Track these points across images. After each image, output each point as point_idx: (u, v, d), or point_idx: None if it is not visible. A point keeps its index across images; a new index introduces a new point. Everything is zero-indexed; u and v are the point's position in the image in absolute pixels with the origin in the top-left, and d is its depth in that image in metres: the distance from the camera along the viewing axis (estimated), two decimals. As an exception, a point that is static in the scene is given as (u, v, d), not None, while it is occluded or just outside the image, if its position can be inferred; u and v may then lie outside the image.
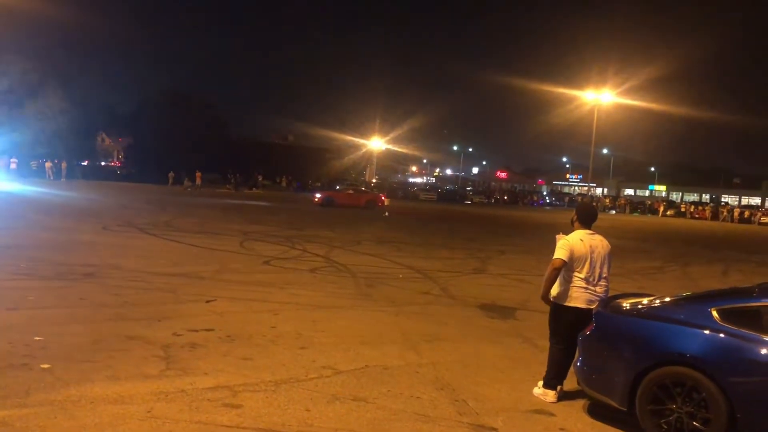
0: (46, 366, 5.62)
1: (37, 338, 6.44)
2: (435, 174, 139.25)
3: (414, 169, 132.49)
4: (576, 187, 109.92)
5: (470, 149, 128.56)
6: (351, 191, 42.07)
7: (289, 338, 7.17)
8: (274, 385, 5.58)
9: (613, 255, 5.97)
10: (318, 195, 39.71)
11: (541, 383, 5.83)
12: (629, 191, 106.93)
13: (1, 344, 6.16)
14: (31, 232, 15.72)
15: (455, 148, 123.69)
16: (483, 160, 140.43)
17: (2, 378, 5.24)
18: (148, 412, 4.76)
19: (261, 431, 4.58)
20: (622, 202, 75.11)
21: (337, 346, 7.01)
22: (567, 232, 5.95)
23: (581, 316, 5.63)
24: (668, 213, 64.84)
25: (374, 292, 10.52)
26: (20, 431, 4.29)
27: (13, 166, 50.35)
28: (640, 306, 5.50)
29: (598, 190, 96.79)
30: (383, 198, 41.79)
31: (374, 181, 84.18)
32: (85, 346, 6.33)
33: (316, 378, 5.86)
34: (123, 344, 6.48)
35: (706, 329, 4.79)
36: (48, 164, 52.67)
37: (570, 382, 5.79)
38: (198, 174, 55.09)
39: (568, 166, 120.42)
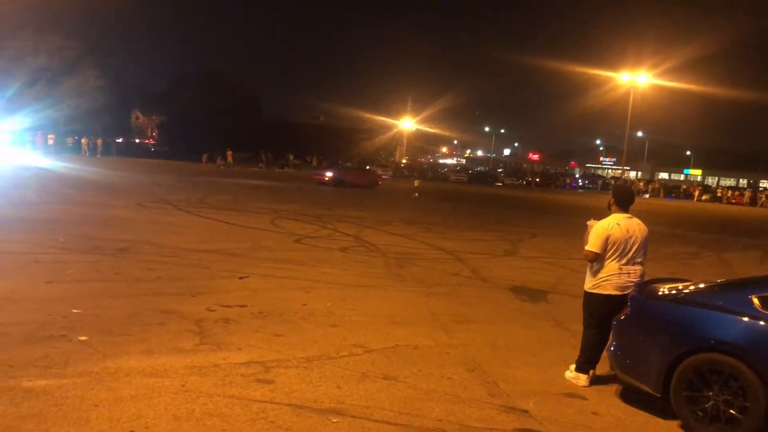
0: (83, 338, 5.74)
1: (75, 311, 6.57)
2: (466, 155, 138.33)
3: (444, 150, 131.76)
4: (609, 170, 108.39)
5: (502, 131, 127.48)
6: (357, 170, 41.69)
7: (320, 316, 7.22)
8: (305, 361, 5.62)
9: (649, 239, 5.87)
10: (328, 174, 37.78)
11: (573, 367, 5.78)
12: (663, 175, 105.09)
13: (41, 316, 6.30)
14: (68, 207, 16.01)
15: (487, 129, 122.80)
16: (515, 141, 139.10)
17: (43, 348, 5.37)
18: (182, 385, 4.83)
19: (293, 407, 4.62)
20: (656, 185, 73.91)
21: (367, 324, 7.03)
22: (601, 217, 5.85)
23: (615, 301, 5.55)
24: (703, 198, 63.69)
25: (404, 272, 10.53)
26: (59, 400, 4.39)
27: (50, 142, 51.30)
28: (676, 291, 5.40)
29: (632, 174, 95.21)
30: (382, 178, 40.98)
31: (404, 161, 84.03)
32: (120, 319, 6.44)
33: (347, 356, 5.89)
34: (158, 318, 6.58)
35: (746, 316, 4.69)
36: (84, 141, 53.54)
37: (602, 367, 5.74)
38: (229, 153, 55.55)
39: (601, 148, 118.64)
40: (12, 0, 50.36)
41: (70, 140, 54.72)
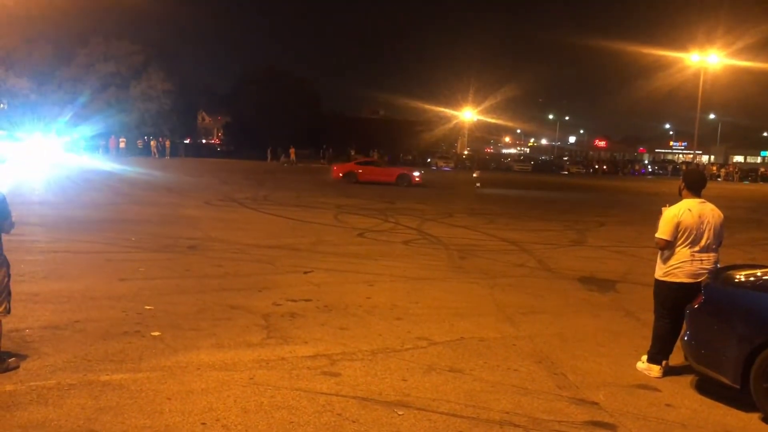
0: (156, 333, 5.92)
1: (148, 307, 6.79)
2: (530, 144, 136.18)
3: (507, 139, 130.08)
4: (680, 155, 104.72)
5: (567, 118, 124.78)
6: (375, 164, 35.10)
7: (384, 309, 7.23)
8: (370, 354, 5.64)
9: (724, 225, 5.63)
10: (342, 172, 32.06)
11: (645, 358, 5.60)
12: (738, 158, 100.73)
13: (117, 312, 6.54)
14: (138, 208, 16.57)
15: (551, 117, 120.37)
16: (580, 128, 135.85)
17: (118, 344, 5.57)
18: (251, 378, 4.92)
19: (359, 399, 4.64)
20: (731, 169, 70.96)
21: (431, 317, 7.00)
22: (674, 203, 5.64)
23: (688, 290, 5.35)
24: (783, 180, 60.75)
25: (467, 264, 10.44)
26: (135, 393, 4.54)
27: (122, 145, 53.28)
28: (754, 278, 5.17)
29: (704, 158, 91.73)
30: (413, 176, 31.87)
31: (466, 152, 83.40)
32: (191, 314, 6.62)
33: (412, 348, 5.88)
34: (226, 313, 6.73)
35: (830, 303, 4.43)
36: (153, 143, 55.35)
37: (676, 357, 5.54)
38: (292, 150, 56.40)
39: (671, 133, 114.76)
40: (80, 10, 52.46)
41: (140, 143, 56.65)
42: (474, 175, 39.20)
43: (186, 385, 4.73)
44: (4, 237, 4.95)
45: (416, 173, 32.54)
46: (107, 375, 4.84)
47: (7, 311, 4.95)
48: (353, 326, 6.50)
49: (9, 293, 4.96)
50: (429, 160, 70.77)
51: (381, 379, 5.07)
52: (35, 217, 13.25)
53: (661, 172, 75.96)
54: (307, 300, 7.45)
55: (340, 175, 31.78)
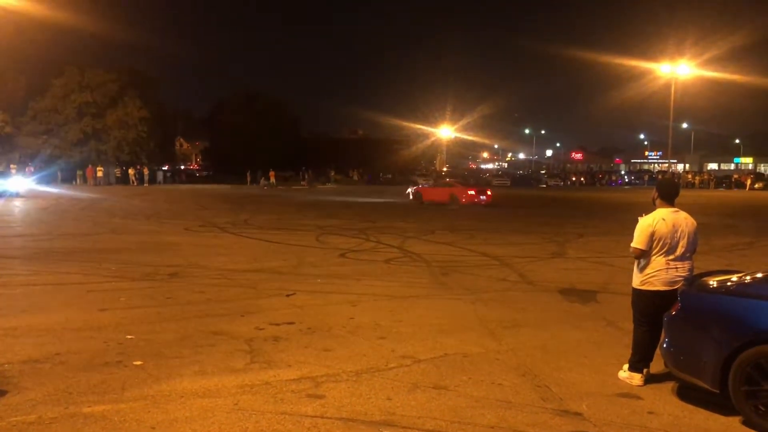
0: (138, 363, 5.88)
1: (129, 336, 6.74)
2: (507, 159, 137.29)
3: (485, 155, 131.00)
4: (656, 165, 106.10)
5: (542, 132, 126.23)
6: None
7: (367, 329, 7.24)
8: (355, 375, 5.64)
9: (699, 232, 5.73)
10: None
11: (626, 366, 5.67)
12: (713, 165, 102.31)
13: (97, 343, 6.48)
14: (118, 237, 16.44)
15: (527, 131, 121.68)
16: (556, 142, 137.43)
17: (100, 374, 5.52)
18: (235, 404, 4.90)
19: (344, 421, 4.64)
20: (705, 176, 71.96)
21: (415, 335, 7.02)
22: (650, 212, 5.73)
23: (664, 297, 5.43)
24: (756, 186, 61.70)
25: (450, 281, 10.48)
26: (118, 424, 4.50)
27: (99, 174, 52.92)
28: (729, 283, 5.26)
29: (680, 166, 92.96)
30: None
31: (445, 169, 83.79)
32: (173, 342, 6.58)
33: (396, 367, 5.89)
34: (209, 340, 6.70)
35: (803, 305, 4.53)
36: (131, 171, 55.05)
37: (657, 365, 5.61)
38: (272, 173, 56.41)
39: (646, 143, 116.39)
40: (53, 41, 52.30)
41: (118, 171, 56.31)
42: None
43: (170, 414, 4.70)
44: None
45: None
46: (89, 407, 4.79)
47: (-14, 346, 4.89)
48: (337, 347, 6.50)
49: (-13, 328, 4.91)
50: (411, 177, 71.02)
51: (366, 399, 5.07)
52: (13, 249, 13.11)
53: (637, 182, 76.91)
54: (290, 323, 7.43)
55: None
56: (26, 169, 53.90)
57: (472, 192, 31.64)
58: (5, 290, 8.82)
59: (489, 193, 32.47)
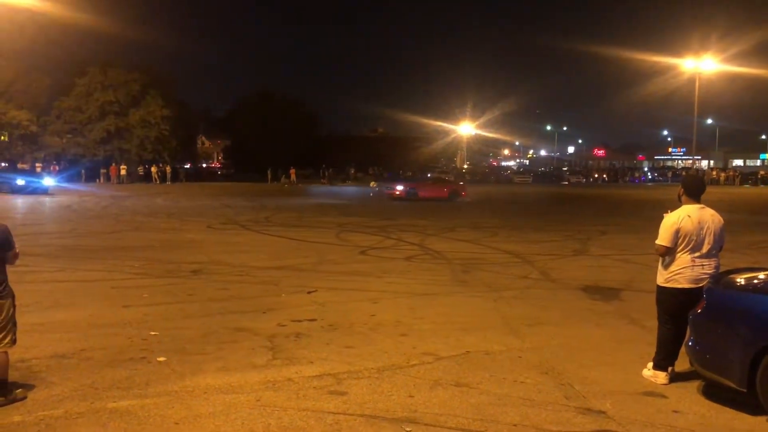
0: (162, 359, 5.93)
1: (153, 333, 6.80)
2: (529, 156, 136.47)
3: (506, 152, 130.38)
4: (680, 161, 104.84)
5: (564, 128, 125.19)
6: None
7: (389, 326, 7.24)
8: (376, 372, 5.64)
9: (725, 229, 5.64)
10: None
11: (650, 365, 5.60)
12: (738, 162, 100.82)
13: (122, 340, 6.55)
14: (141, 234, 16.61)
15: (549, 128, 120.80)
16: (578, 138, 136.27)
17: (124, 370, 5.58)
18: (258, 400, 4.93)
19: (366, 417, 4.64)
20: (731, 173, 70.94)
21: (436, 332, 7.01)
22: (675, 209, 5.66)
23: (689, 295, 5.36)
24: (783, 182, 60.69)
25: (471, 278, 10.45)
26: (142, 420, 4.54)
27: (122, 172, 53.52)
28: (756, 281, 5.18)
29: (704, 163, 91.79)
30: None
31: (466, 166, 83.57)
32: (196, 339, 6.63)
33: (418, 364, 5.88)
34: (231, 336, 6.74)
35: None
36: (153, 169, 55.58)
37: (682, 363, 5.54)
38: (292, 170, 56.67)
39: (669, 139, 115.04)
40: (76, 41, 53.03)
41: (141, 169, 56.87)
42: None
43: (193, 410, 4.73)
44: (9, 268, 4.98)
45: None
46: (114, 402, 4.85)
47: (13, 342, 4.97)
48: (358, 344, 6.50)
49: (15, 324, 4.99)
50: (429, 174, 70.92)
51: (388, 396, 5.07)
52: (39, 246, 13.29)
53: (660, 178, 76.03)
54: (311, 320, 7.46)
55: None
56: (51, 168, 54.69)
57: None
58: (32, 287, 8.94)
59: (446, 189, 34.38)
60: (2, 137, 54.44)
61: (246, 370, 5.63)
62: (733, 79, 57.57)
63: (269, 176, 58.90)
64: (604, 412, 4.79)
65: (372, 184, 40.32)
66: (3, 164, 53.57)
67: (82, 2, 45.25)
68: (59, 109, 56.00)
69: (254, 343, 6.47)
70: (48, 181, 37.37)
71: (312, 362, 5.88)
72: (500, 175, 77.29)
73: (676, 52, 55.47)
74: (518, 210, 27.44)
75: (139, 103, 56.56)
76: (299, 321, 7.39)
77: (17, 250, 5.01)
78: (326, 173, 62.09)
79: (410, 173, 71.07)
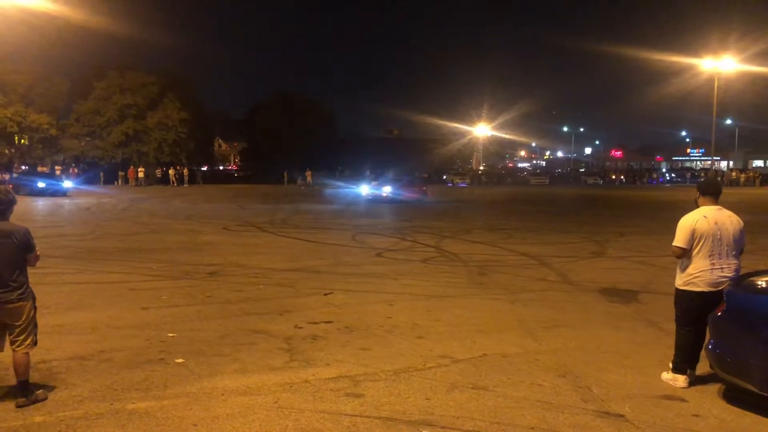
0: (180, 360, 5.97)
1: (171, 334, 6.85)
2: (545, 157, 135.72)
3: (523, 153, 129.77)
4: (698, 162, 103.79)
5: (581, 129, 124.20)
6: None
7: (405, 328, 7.24)
8: (393, 374, 5.64)
9: (744, 231, 5.58)
10: None
11: (670, 368, 5.55)
12: (758, 163, 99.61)
13: (141, 341, 6.60)
14: (159, 236, 16.73)
15: (565, 129, 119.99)
16: (595, 139, 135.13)
17: (143, 372, 5.63)
18: (275, 402, 4.95)
19: (383, 420, 4.64)
20: (750, 174, 70.11)
21: (453, 335, 7.00)
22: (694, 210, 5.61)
23: (708, 298, 5.31)
24: (804, 183, 59.87)
25: (487, 281, 10.42)
26: (161, 421, 4.58)
27: (140, 175, 54.02)
28: (778, 283, 5.11)
29: (723, 164, 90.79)
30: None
31: (482, 168, 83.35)
32: (214, 340, 6.67)
33: (435, 367, 5.88)
34: (248, 338, 6.77)
35: None
36: (171, 171, 56.00)
37: (702, 366, 5.49)
38: (308, 172, 56.85)
39: (688, 140, 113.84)
40: (96, 46, 53.53)
41: (158, 172, 57.35)
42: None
43: (211, 411, 4.76)
44: (29, 270, 5.04)
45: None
46: (133, 403, 4.89)
47: (34, 343, 5.03)
48: (375, 346, 6.51)
49: (36, 326, 5.05)
50: (444, 176, 70.88)
51: (404, 398, 5.07)
52: (59, 248, 13.43)
53: (679, 180, 75.36)
54: (328, 322, 7.47)
55: None
56: (70, 171, 55.30)
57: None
58: (52, 288, 9.04)
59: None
60: (23, 141, 55.15)
61: (263, 372, 5.66)
62: (753, 78, 56.95)
63: (286, 178, 59.14)
64: (622, 416, 4.76)
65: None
66: (23, 167, 54.27)
67: (101, 6, 45.92)
68: (78, 112, 56.68)
69: (271, 345, 6.49)
70: (67, 184, 37.96)
71: (329, 364, 5.90)
72: (517, 177, 76.99)
73: (695, 51, 54.99)
74: (534, 212, 27.31)
75: (157, 106, 57.07)
76: (316, 323, 7.41)
77: (38, 253, 5.07)
78: (342, 175, 62.20)
79: (426, 175, 71.12)
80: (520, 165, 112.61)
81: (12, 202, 5.00)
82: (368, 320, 7.56)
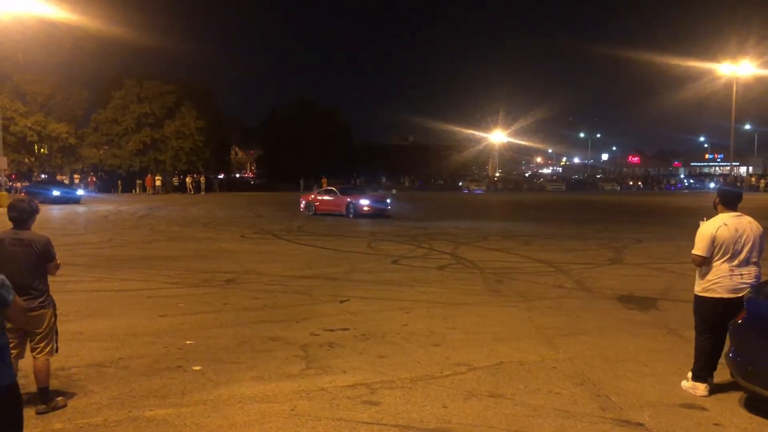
0: (197, 368, 6.00)
1: (189, 342, 6.89)
2: (562, 163, 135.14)
3: (539, 160, 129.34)
4: (717, 168, 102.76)
5: (598, 135, 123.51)
6: None
7: (421, 336, 7.22)
8: (410, 382, 5.63)
9: (765, 237, 5.52)
10: None
11: (689, 376, 5.49)
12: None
13: (158, 348, 6.65)
14: (176, 244, 16.85)
15: (582, 135, 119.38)
16: (612, 145, 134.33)
17: (161, 379, 5.66)
18: (292, 410, 4.96)
19: (400, 428, 4.63)
20: (771, 179, 69.20)
21: (470, 342, 6.97)
22: (711, 217, 5.56)
23: (728, 305, 5.25)
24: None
25: (504, 288, 10.37)
26: (179, 428, 4.60)
27: (158, 183, 54.46)
28: (799, 290, 5.04)
29: (743, 169, 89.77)
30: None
31: (498, 174, 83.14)
32: (231, 348, 6.70)
33: (451, 375, 5.86)
34: (265, 345, 6.79)
35: None
36: (188, 179, 56.39)
37: (722, 374, 5.42)
38: (324, 180, 57.00)
39: (706, 145, 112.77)
40: (114, 55, 54.27)
41: (175, 180, 57.77)
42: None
43: (229, 419, 4.78)
44: (50, 278, 5.10)
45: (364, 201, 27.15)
46: (151, 411, 4.92)
47: (54, 350, 5.08)
48: (391, 354, 6.50)
49: (56, 333, 5.10)
50: (460, 183, 70.80)
51: (421, 406, 5.06)
52: (78, 256, 13.56)
53: (697, 186, 74.71)
54: (344, 329, 7.48)
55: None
56: (89, 179, 55.88)
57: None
58: (71, 296, 9.13)
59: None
60: (42, 150, 55.86)
61: (280, 380, 5.67)
62: (771, 82, 56.26)
63: (302, 186, 59.37)
64: (642, 425, 4.71)
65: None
66: (42, 176, 54.94)
67: (119, 16, 46.54)
68: (96, 121, 57.28)
69: (288, 353, 6.51)
70: (81, 192, 38.88)
71: (345, 372, 5.90)
72: (533, 183, 76.71)
73: (713, 56, 54.58)
74: (551, 218, 27.17)
75: (174, 114, 57.51)
76: (332, 330, 7.41)
77: (58, 261, 5.12)
78: (358, 182, 62.33)
79: (441, 182, 71.05)
80: (536, 171, 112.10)
81: (35, 212, 5.07)
82: (385, 327, 7.55)
